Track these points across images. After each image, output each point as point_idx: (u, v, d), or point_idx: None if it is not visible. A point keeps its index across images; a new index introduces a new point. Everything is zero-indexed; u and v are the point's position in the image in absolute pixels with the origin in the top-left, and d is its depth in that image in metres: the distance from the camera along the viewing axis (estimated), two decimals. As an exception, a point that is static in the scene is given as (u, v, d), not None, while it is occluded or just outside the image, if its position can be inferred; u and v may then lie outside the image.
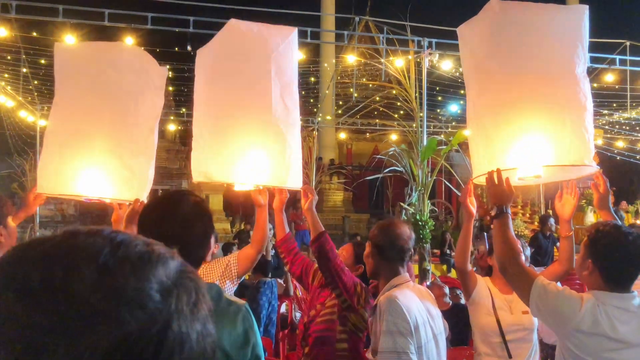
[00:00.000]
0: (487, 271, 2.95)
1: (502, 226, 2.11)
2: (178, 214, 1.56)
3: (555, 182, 2.64)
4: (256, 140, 2.40)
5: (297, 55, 2.65)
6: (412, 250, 2.42)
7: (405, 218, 6.73)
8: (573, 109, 2.18)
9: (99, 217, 13.34)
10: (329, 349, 2.54)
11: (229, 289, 2.47)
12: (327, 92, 14.73)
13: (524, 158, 2.21)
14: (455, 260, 2.78)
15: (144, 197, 2.58)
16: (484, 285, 2.77)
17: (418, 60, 7.62)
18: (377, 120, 15.16)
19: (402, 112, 8.73)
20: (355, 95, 13.42)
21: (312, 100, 15.97)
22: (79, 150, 2.51)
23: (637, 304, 1.93)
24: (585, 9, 2.28)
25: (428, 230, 6.66)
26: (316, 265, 2.72)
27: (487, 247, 2.96)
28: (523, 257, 2.14)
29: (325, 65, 15.15)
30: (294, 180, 2.49)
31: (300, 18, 8.68)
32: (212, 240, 1.79)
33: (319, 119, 14.79)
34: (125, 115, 2.59)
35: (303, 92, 15.24)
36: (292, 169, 2.45)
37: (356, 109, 12.52)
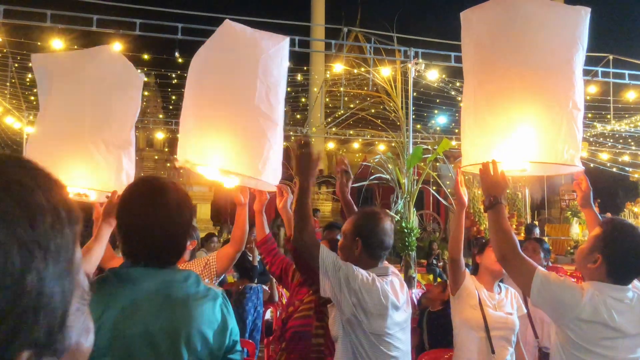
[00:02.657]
0: (473, 270, 2.97)
1: (497, 216, 2.14)
2: (163, 203, 1.51)
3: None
4: (236, 130, 2.42)
5: (287, 63, 2.68)
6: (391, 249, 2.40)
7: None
8: (570, 108, 2.21)
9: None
10: (305, 343, 2.55)
11: None
12: (316, 100, 14.80)
13: (519, 151, 2.22)
14: (449, 250, 2.76)
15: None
16: (470, 281, 2.79)
17: (404, 70, 7.71)
18: (366, 130, 15.22)
19: (389, 121, 8.80)
20: (344, 105, 13.49)
21: (300, 108, 15.99)
22: (62, 146, 2.54)
23: (630, 296, 2.01)
24: (587, 12, 2.30)
25: (414, 238, 6.68)
26: None
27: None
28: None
29: (315, 76, 15.23)
30: (270, 175, 2.49)
31: (290, 28, 8.75)
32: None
33: (307, 129, 14.83)
34: (109, 111, 2.63)
35: (291, 100, 15.27)
36: (269, 164, 2.45)
37: (343, 117, 12.57)
